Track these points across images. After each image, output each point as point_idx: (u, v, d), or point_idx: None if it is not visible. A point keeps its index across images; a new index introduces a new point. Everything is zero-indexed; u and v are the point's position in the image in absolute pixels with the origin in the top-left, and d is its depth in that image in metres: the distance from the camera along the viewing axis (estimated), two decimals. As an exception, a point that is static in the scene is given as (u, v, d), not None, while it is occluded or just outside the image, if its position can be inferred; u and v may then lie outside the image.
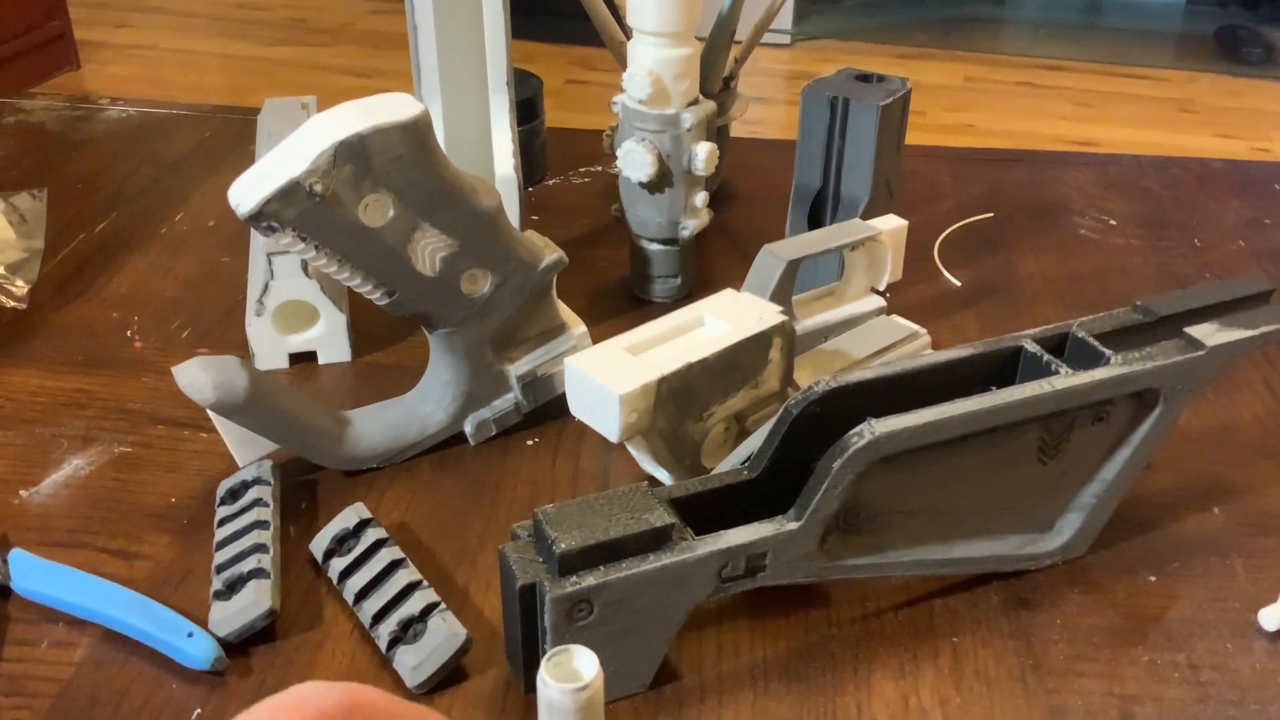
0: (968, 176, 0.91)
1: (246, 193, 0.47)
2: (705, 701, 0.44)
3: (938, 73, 1.22)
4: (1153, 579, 0.51)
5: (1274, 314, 0.50)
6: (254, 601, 0.46)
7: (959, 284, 0.75)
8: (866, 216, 0.66)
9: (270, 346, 0.64)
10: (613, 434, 0.49)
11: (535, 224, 0.79)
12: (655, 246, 0.69)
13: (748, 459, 0.47)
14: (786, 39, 1.31)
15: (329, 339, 0.64)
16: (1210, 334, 0.48)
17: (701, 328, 0.53)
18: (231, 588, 0.47)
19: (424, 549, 0.51)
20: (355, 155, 0.47)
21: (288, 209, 0.47)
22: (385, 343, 0.67)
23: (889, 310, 0.65)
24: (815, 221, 0.70)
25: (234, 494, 0.52)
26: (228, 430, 0.53)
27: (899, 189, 0.71)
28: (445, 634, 0.44)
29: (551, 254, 0.57)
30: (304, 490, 0.55)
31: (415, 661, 0.44)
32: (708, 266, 0.75)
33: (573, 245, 0.77)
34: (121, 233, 0.78)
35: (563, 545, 0.40)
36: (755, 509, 0.45)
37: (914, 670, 0.46)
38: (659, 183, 0.66)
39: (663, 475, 0.53)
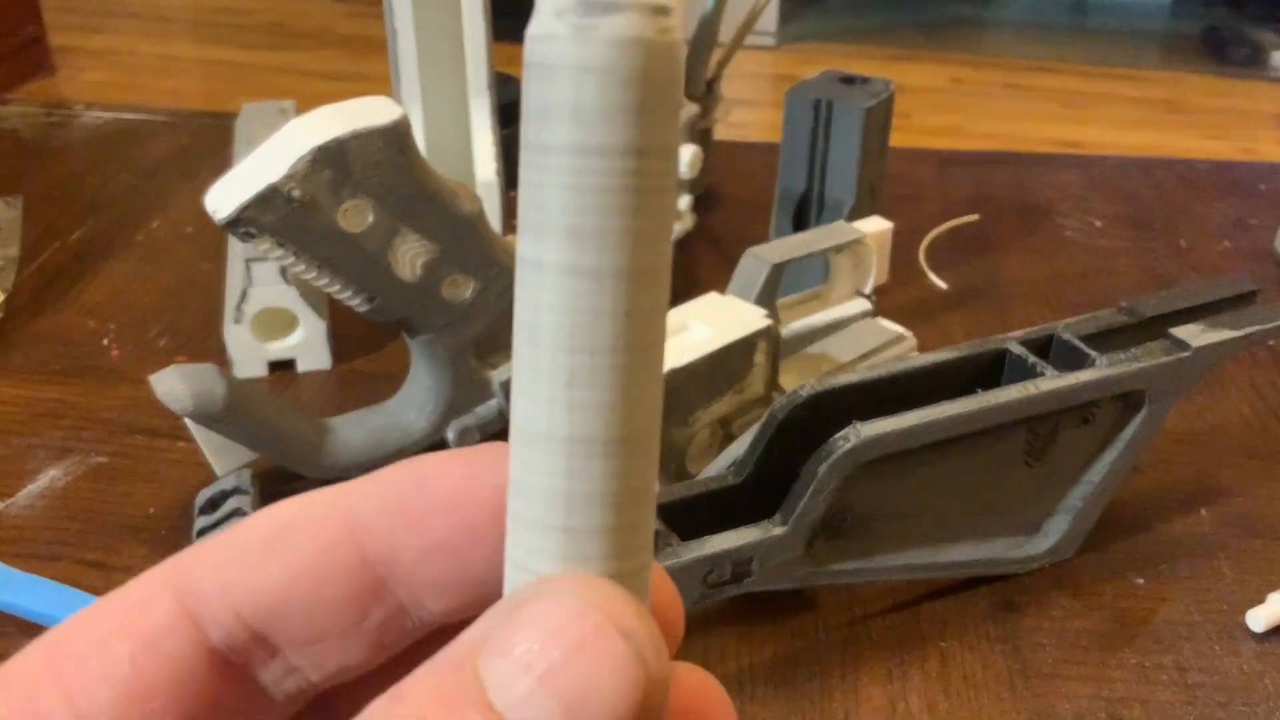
0: (953, 178, 0.91)
1: (224, 199, 0.46)
2: (691, 710, 0.44)
3: (924, 74, 1.22)
4: (1140, 581, 0.51)
5: (1260, 314, 0.50)
6: (233, 613, 0.45)
7: (944, 286, 0.75)
8: (851, 219, 0.66)
9: (249, 354, 0.63)
10: (596, 440, 0.48)
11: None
12: (639, 250, 0.68)
13: (733, 464, 0.47)
14: (771, 41, 1.30)
15: (309, 346, 0.64)
16: (1196, 335, 0.48)
17: (685, 332, 0.53)
18: (210, 599, 0.46)
19: (406, 558, 0.51)
20: (334, 160, 0.47)
21: (266, 215, 0.46)
22: (366, 349, 0.66)
23: (874, 313, 0.64)
24: (800, 225, 0.70)
25: (213, 504, 0.52)
26: (206, 439, 0.52)
27: (883, 191, 0.71)
28: (427, 644, 0.43)
29: (534, 258, 0.56)
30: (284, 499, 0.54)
31: (397, 673, 0.43)
32: (692, 270, 0.75)
33: (556, 249, 0.76)
34: (98, 240, 0.77)
35: (545, 554, 0.40)
36: (741, 514, 0.44)
37: (901, 675, 0.46)
38: (642, 186, 0.65)
39: (647, 481, 0.53)
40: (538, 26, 0.13)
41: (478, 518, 0.17)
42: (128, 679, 0.15)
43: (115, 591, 0.16)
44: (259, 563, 0.16)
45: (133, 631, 0.16)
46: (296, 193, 0.46)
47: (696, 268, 0.75)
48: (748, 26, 0.80)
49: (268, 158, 0.46)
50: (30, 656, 0.16)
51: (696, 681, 0.17)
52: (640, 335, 0.14)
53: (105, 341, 0.66)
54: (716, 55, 0.78)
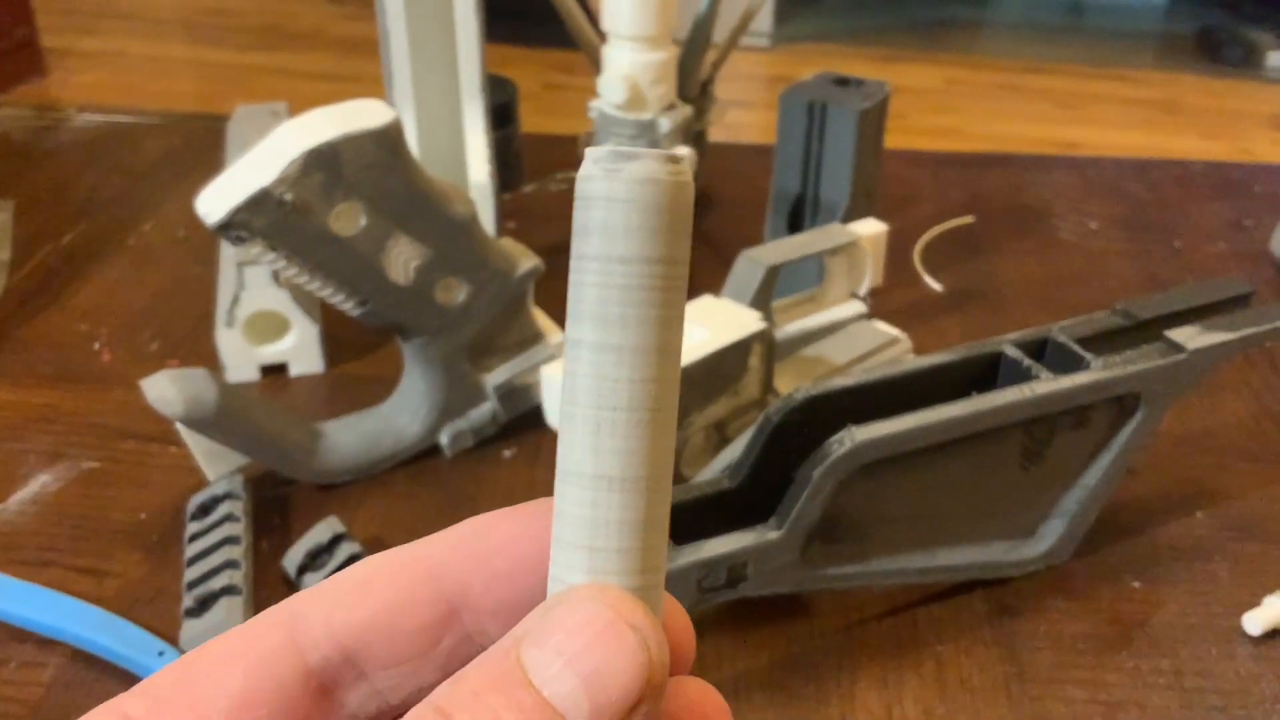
0: (948, 180, 0.91)
1: (215, 202, 0.46)
2: (686, 716, 0.44)
3: (919, 75, 1.22)
4: (1136, 585, 0.51)
5: (1255, 316, 0.50)
6: (225, 619, 0.45)
7: (940, 288, 0.75)
8: (846, 221, 0.65)
9: (241, 358, 0.62)
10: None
11: (511, 231, 0.79)
12: (633, 253, 0.68)
13: (728, 468, 0.47)
14: (766, 42, 1.30)
15: (301, 350, 0.63)
16: (1191, 337, 0.48)
17: (680, 335, 0.53)
18: (203, 605, 0.46)
19: (399, 563, 0.51)
20: (326, 163, 0.46)
21: (257, 218, 0.46)
22: (359, 353, 0.66)
23: (869, 315, 0.64)
24: (795, 226, 0.69)
25: (205, 509, 0.51)
26: (197, 444, 0.52)
27: (878, 193, 0.70)
28: (420, 651, 0.43)
29: (528, 262, 0.56)
30: (276, 504, 0.54)
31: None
32: (687, 272, 0.75)
33: (550, 252, 0.76)
34: (89, 244, 0.77)
35: (539, 559, 0.40)
36: (736, 518, 0.44)
37: (898, 680, 0.45)
38: (636, 188, 0.65)
39: (642, 485, 0.53)
40: (583, 170, 0.17)
41: (532, 553, 0.20)
42: (242, 691, 0.19)
43: (242, 624, 0.20)
44: (354, 597, 0.20)
45: (248, 654, 0.19)
46: (288, 196, 0.46)
47: (691, 270, 0.75)
48: (742, 27, 0.80)
49: (259, 161, 0.46)
50: (168, 672, 0.19)
51: (696, 691, 0.20)
52: (652, 398, 0.17)
53: (96, 345, 0.66)
54: (711, 56, 0.78)
